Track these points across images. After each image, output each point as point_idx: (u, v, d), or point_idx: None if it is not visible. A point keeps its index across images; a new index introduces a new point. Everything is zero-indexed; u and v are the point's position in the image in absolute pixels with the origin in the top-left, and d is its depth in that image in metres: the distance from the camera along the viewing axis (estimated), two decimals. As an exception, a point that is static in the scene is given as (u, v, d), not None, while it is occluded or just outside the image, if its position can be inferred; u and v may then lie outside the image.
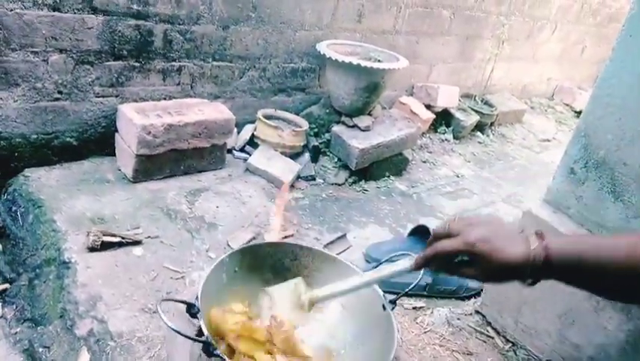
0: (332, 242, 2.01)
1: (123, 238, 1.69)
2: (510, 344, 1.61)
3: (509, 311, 1.63)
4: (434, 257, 0.88)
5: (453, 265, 0.87)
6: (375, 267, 1.44)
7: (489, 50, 3.58)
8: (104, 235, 1.65)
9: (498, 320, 1.66)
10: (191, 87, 2.25)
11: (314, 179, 2.48)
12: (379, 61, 2.59)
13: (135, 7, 1.93)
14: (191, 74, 2.22)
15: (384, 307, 1.19)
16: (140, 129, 1.90)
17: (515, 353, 1.58)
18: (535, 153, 3.68)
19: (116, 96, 2.05)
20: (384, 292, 1.24)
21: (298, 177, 2.41)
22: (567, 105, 4.72)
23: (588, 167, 1.44)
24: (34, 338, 1.47)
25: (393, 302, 1.21)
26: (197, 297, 1.05)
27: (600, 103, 1.40)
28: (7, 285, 1.75)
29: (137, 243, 1.72)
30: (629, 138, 1.34)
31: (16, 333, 1.58)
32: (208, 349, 0.96)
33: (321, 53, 2.44)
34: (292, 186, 2.36)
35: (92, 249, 1.63)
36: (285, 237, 1.98)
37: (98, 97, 2.01)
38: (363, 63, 2.35)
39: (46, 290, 1.59)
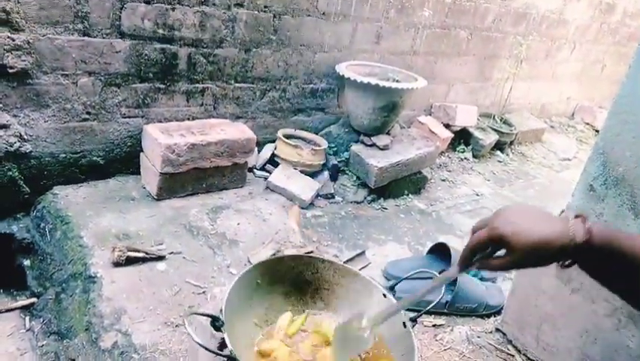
0: (351, 259, 2.03)
1: (147, 253, 1.73)
2: (531, 363, 1.60)
3: (530, 329, 1.62)
4: (471, 251, 0.88)
5: (490, 259, 0.86)
6: (394, 285, 1.45)
7: (507, 70, 3.60)
8: (128, 251, 1.69)
9: (519, 338, 1.65)
10: (214, 108, 2.31)
11: (333, 197, 2.50)
12: (397, 81, 2.63)
13: (161, 31, 2.01)
14: (214, 95, 2.28)
15: (404, 325, 1.20)
16: (165, 148, 1.95)
17: (537, 372, 1.57)
18: (555, 172, 3.66)
19: (142, 117, 2.12)
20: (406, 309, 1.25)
21: (317, 195, 2.44)
22: (588, 124, 4.69)
23: (607, 184, 1.44)
24: (60, 350, 1.51)
25: (414, 320, 1.22)
26: (221, 310, 1.08)
27: (618, 120, 1.40)
28: (34, 299, 1.80)
29: (160, 258, 1.76)
30: (648, 154, 1.34)
31: (42, 346, 1.63)
32: (232, 362, 0.99)
33: (341, 73, 2.48)
34: (311, 204, 2.38)
35: (116, 264, 1.67)
36: (305, 253, 2.00)
37: (125, 117, 2.08)
38: (382, 83, 2.39)
39: (72, 304, 1.63)
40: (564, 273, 1.49)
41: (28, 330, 1.68)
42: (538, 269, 1.02)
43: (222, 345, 1.07)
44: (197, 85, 2.21)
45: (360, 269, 2.04)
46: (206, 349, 0.97)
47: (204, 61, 2.18)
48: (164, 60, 2.08)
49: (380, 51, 2.84)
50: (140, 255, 1.72)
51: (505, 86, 3.69)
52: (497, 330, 1.72)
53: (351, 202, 2.52)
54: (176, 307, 1.57)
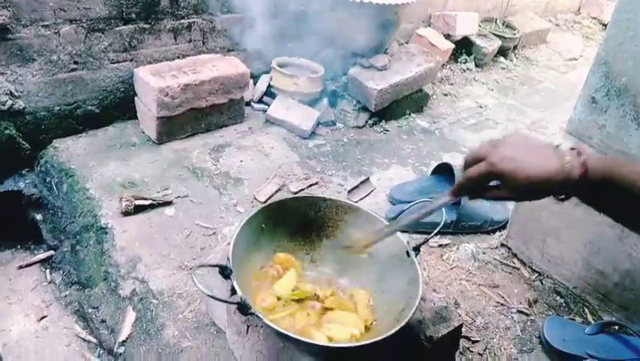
0: (356, 187, 2.04)
1: (154, 200, 1.76)
2: (536, 275, 1.65)
3: (535, 243, 1.65)
4: (466, 185, 0.88)
5: (485, 190, 0.87)
6: (395, 217, 1.46)
7: (508, -31, 3.41)
8: (135, 199, 1.72)
9: (524, 252, 1.70)
10: (203, 43, 2.24)
11: (334, 124, 2.48)
12: (391, -5, 2.50)
13: (138, -33, 1.91)
14: (202, 29, 2.20)
15: (407, 254, 1.23)
16: (158, 92, 1.92)
17: (542, 283, 1.62)
18: (561, 74, 3.57)
19: (131, 60, 2.07)
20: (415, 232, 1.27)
21: (318, 123, 2.41)
22: (594, 19, 4.50)
23: (610, 95, 1.40)
24: (83, 300, 1.58)
25: (416, 249, 1.24)
26: (228, 258, 1.11)
27: (620, 28, 1.34)
28: (52, 252, 1.86)
29: (168, 203, 1.78)
30: (652, 61, 1.30)
31: (66, 296, 1.71)
32: (243, 308, 1.02)
33: (331, -7, 2.37)
34: (313, 133, 2.36)
35: (126, 213, 1.70)
36: (310, 185, 2.02)
37: (113, 63, 2.03)
38: (374, 0, 2.28)
39: (88, 255, 1.69)
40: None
41: (50, 282, 1.76)
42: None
43: (234, 290, 1.10)
44: (182, 21, 2.12)
45: (365, 196, 2.07)
46: (217, 299, 1.00)
47: (187, -6, 2.09)
48: (145, -2, 1.99)
49: (372, -37, 2.68)
50: (148, 202, 1.75)
51: (507, -14, 3.52)
52: (502, 245, 1.76)
53: (353, 127, 2.49)
54: (188, 250, 1.62)
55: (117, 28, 1.97)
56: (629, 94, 1.36)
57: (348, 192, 2.01)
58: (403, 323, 1.01)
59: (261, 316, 1.00)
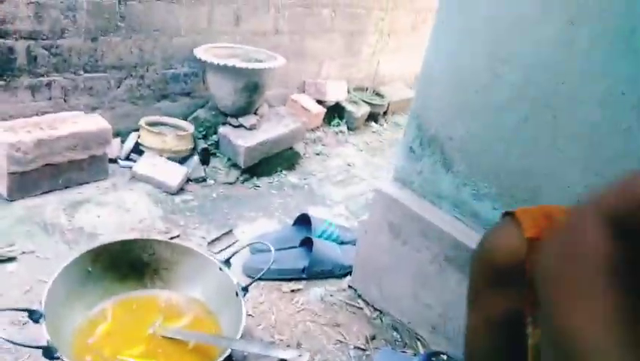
0: (217, 239, 2.08)
1: (-6, 256, 1.69)
2: (377, 313, 1.75)
3: (374, 282, 1.77)
4: None
5: None
6: (229, 258, 1.51)
7: (373, 45, 3.77)
8: (-29, 256, 1.64)
9: (366, 292, 1.80)
10: (65, 101, 2.25)
11: (205, 180, 2.53)
12: (260, 61, 2.68)
13: (-9, 25, 1.92)
14: (63, 87, 2.21)
15: (236, 294, 1.28)
16: (8, 147, 1.89)
17: (381, 320, 1.72)
18: (427, 137, 3.91)
19: (-17, 116, 2.03)
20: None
21: (188, 180, 2.46)
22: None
23: (423, 145, 1.59)
24: None
25: (245, 289, 1.30)
26: (40, 302, 1.10)
27: (425, 84, 1.56)
28: None
29: (10, 260, 1.72)
30: (450, 114, 1.51)
31: None
32: (48, 353, 1.01)
33: (199, 57, 2.50)
34: (182, 189, 2.40)
35: (-40, 271, 1.61)
36: (171, 238, 2.03)
37: (-37, 118, 1.98)
38: (238, 64, 2.44)
39: None
40: (395, 228, 1.65)
41: None
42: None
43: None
44: (41, 78, 2.13)
45: (227, 247, 2.11)
46: (16, 343, 0.99)
47: (46, 53, 2.10)
48: (-1, 55, 1.99)
49: (241, 32, 2.87)
50: (-14, 259, 1.67)
51: (375, 59, 3.87)
52: (349, 287, 1.86)
53: (224, 184, 2.56)
54: (27, 305, 1.55)
55: (-33, 84, 1.95)
56: (437, 143, 1.56)
57: (209, 243, 2.04)
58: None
59: (66, 360, 0.99)
